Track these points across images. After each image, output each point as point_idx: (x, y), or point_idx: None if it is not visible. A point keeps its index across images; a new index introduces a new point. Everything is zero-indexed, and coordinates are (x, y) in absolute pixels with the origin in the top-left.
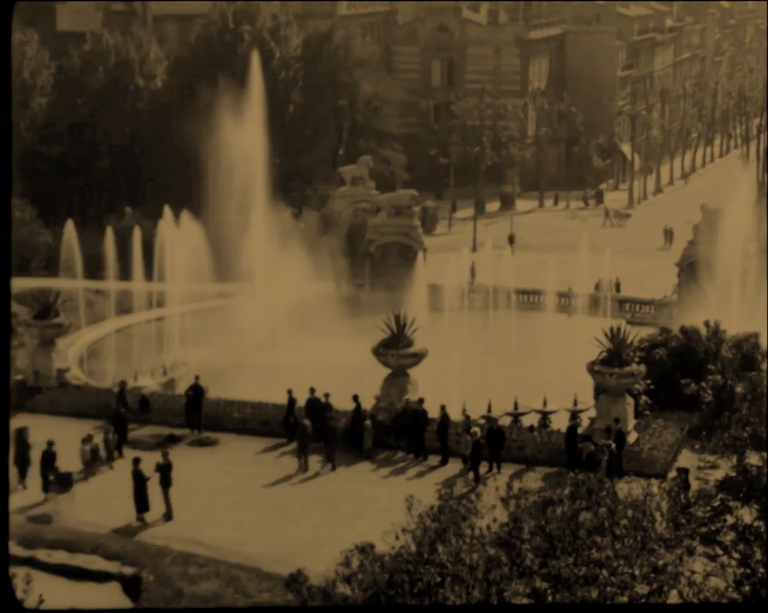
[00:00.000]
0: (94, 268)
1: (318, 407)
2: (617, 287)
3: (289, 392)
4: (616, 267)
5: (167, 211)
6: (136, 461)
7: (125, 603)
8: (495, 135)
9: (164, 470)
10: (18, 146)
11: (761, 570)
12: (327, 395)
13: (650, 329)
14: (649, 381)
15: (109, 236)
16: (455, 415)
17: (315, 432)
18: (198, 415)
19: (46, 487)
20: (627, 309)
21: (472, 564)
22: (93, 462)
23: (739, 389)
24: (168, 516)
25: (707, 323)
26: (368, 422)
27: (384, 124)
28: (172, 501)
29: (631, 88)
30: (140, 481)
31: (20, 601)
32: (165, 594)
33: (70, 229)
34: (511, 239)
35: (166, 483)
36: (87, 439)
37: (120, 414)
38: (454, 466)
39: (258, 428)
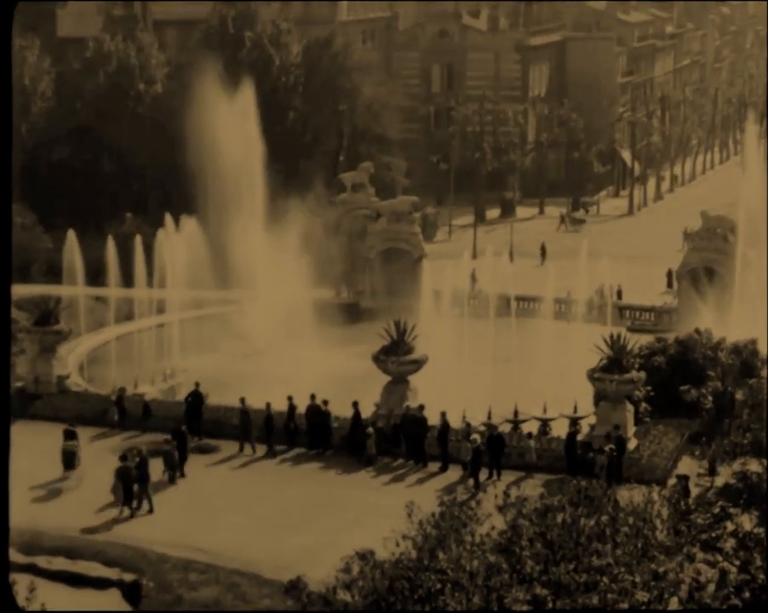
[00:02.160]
0: (94, 274)
1: (319, 414)
2: (619, 294)
3: (290, 398)
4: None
5: (167, 217)
6: (124, 457)
7: (125, 609)
8: (496, 141)
9: (141, 466)
10: (18, 151)
11: (761, 576)
12: (326, 402)
13: (651, 336)
14: (649, 388)
15: (110, 245)
16: (455, 422)
17: (315, 438)
18: (198, 421)
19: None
20: (627, 316)
21: (472, 571)
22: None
23: (739, 395)
24: (150, 510)
25: (698, 331)
26: (370, 429)
27: (384, 130)
28: (172, 502)
29: (631, 94)
30: (124, 476)
31: (22, 608)
32: (165, 600)
33: (71, 238)
34: (543, 250)
35: (144, 478)
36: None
37: (181, 431)
38: (454, 473)
39: (258, 435)
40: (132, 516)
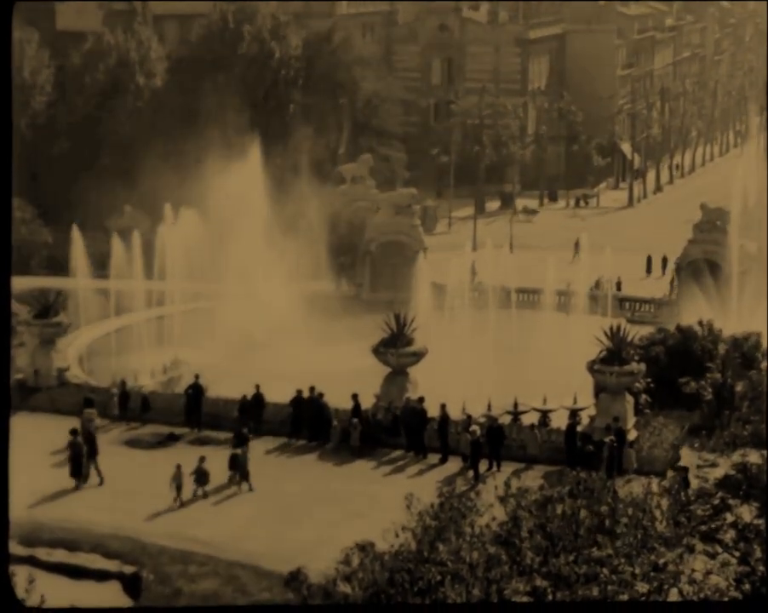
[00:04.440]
0: (94, 267)
1: (319, 406)
2: (618, 286)
3: (299, 392)
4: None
5: (167, 210)
6: (74, 432)
7: (125, 602)
8: (496, 134)
9: (89, 442)
10: (18, 145)
11: (761, 567)
12: (321, 394)
13: (650, 327)
14: (649, 380)
15: (115, 241)
16: (454, 414)
17: (314, 430)
18: (198, 413)
19: None
20: (627, 308)
21: (472, 563)
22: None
23: (739, 387)
24: (100, 482)
25: (701, 322)
26: (356, 420)
27: (384, 123)
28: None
29: (631, 86)
30: (75, 450)
31: (22, 600)
32: (165, 593)
33: (75, 232)
34: (577, 245)
35: (92, 453)
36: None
37: (243, 433)
38: (454, 465)
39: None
40: (78, 488)
